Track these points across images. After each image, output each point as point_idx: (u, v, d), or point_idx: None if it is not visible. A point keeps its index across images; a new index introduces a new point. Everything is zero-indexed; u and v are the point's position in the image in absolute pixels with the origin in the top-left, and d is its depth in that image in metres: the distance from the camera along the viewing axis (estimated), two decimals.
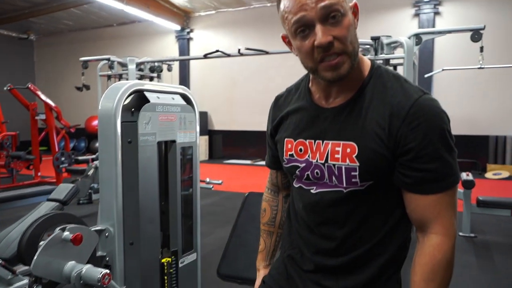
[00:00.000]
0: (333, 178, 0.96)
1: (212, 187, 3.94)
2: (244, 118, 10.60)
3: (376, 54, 3.65)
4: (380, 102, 0.91)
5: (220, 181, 3.94)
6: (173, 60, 5.70)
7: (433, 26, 8.58)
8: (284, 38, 1.00)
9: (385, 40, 3.71)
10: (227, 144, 10.94)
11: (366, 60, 1.00)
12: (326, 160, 0.96)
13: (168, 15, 10.46)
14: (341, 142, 0.94)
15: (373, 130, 0.90)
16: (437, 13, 8.65)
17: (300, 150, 1.02)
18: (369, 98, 0.93)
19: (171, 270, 1.69)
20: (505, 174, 7.52)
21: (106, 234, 1.47)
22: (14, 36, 13.16)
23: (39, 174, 6.85)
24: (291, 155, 1.04)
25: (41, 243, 1.26)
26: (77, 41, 12.95)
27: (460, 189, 3.81)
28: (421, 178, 0.88)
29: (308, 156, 1.00)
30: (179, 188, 1.77)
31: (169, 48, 11.45)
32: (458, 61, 8.01)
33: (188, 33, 11.16)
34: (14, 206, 3.65)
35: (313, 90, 1.04)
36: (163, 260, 1.66)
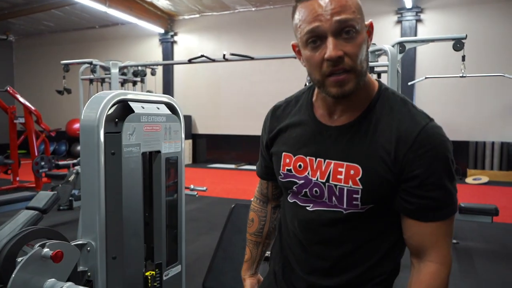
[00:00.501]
0: (333, 198, 0.94)
1: (197, 194, 3.90)
2: (228, 122, 10.57)
3: None
4: (386, 126, 0.90)
5: (204, 188, 3.90)
6: (157, 65, 5.64)
7: (415, 33, 8.73)
8: (294, 46, 0.96)
9: (369, 48, 3.74)
10: (211, 148, 10.89)
11: (374, 81, 0.98)
12: (328, 180, 0.94)
13: (152, 18, 10.37)
14: (345, 163, 0.91)
15: (378, 154, 0.88)
16: (419, 21, 8.80)
17: (299, 166, 0.99)
18: (375, 120, 0.91)
19: (155, 284, 1.65)
20: (485, 179, 7.67)
21: (88, 248, 1.43)
22: None
23: (17, 179, 6.68)
24: (289, 170, 1.01)
25: (19, 259, 1.21)
26: (58, 42, 12.72)
27: None
28: (423, 205, 0.87)
29: (308, 173, 0.97)
30: (164, 199, 1.73)
31: (153, 51, 11.35)
32: (440, 68, 8.16)
33: (172, 36, 11.08)
34: None
35: (317, 105, 1.01)
36: (147, 274, 1.62)
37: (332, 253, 0.97)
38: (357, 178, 0.89)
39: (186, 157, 10.28)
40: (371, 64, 3.71)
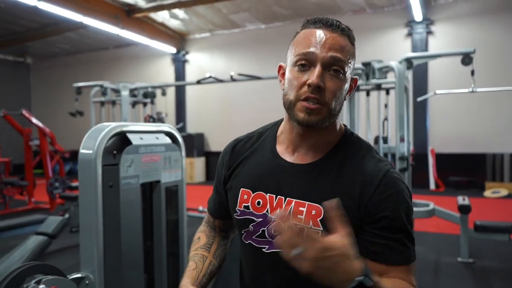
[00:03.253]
0: None
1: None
2: None
3: (367, 79, 3.66)
4: (351, 170, 0.90)
5: None
6: (167, 86, 5.70)
7: (426, 46, 8.66)
8: (281, 67, 0.99)
9: (376, 65, 3.72)
10: None
11: (341, 126, 1.00)
12: (287, 219, 0.91)
13: (164, 38, 10.54)
14: (306, 203, 0.89)
15: (343, 195, 0.87)
16: (429, 33, 8.74)
17: (258, 203, 0.95)
18: (339, 163, 0.92)
19: None
20: (504, 192, 7.47)
21: (86, 281, 1.43)
22: (11, 60, 13.23)
23: (32, 200, 6.77)
24: (246, 207, 0.97)
25: None
26: (72, 64, 13.01)
27: (456, 214, 3.76)
28: (389, 247, 0.85)
29: (267, 211, 0.94)
30: (164, 229, 1.73)
31: (165, 70, 11.50)
32: (453, 82, 8.04)
33: (184, 55, 11.23)
34: (3, 237, 3.59)
35: (280, 140, 1.00)
36: None
37: None
38: (318, 219, 0.87)
39: (200, 175, 10.32)
40: (379, 81, 3.69)
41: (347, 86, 0.91)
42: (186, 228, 1.93)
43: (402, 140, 3.56)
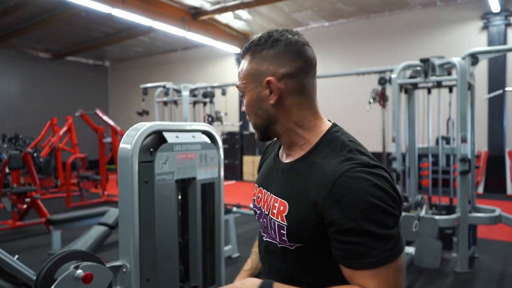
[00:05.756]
0: (271, 230, 1.00)
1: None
2: None
3: (426, 76, 3.47)
4: (317, 169, 0.90)
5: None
6: (226, 86, 5.84)
7: (505, 39, 8.02)
8: None
9: (437, 61, 3.52)
10: None
11: (326, 123, 0.99)
12: (269, 213, 1.01)
13: (228, 39, 10.80)
14: (279, 199, 0.97)
15: (304, 194, 0.89)
16: (509, 25, 8.07)
17: (259, 197, 1.09)
18: (311, 162, 0.93)
19: None
20: None
21: (124, 270, 1.53)
22: (91, 64, 14.36)
23: (105, 193, 7.30)
24: (254, 200, 1.12)
25: (57, 278, 1.34)
26: (144, 66, 13.80)
27: None
28: (348, 251, 0.81)
29: (261, 205, 1.06)
30: (200, 223, 1.79)
31: (230, 70, 11.79)
32: None
33: None
34: (75, 226, 3.94)
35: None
36: None
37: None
38: (283, 215, 0.94)
39: None
40: (438, 78, 3.49)
41: (253, 97, 0.98)
42: (223, 224, 1.99)
43: (464, 141, 3.34)
